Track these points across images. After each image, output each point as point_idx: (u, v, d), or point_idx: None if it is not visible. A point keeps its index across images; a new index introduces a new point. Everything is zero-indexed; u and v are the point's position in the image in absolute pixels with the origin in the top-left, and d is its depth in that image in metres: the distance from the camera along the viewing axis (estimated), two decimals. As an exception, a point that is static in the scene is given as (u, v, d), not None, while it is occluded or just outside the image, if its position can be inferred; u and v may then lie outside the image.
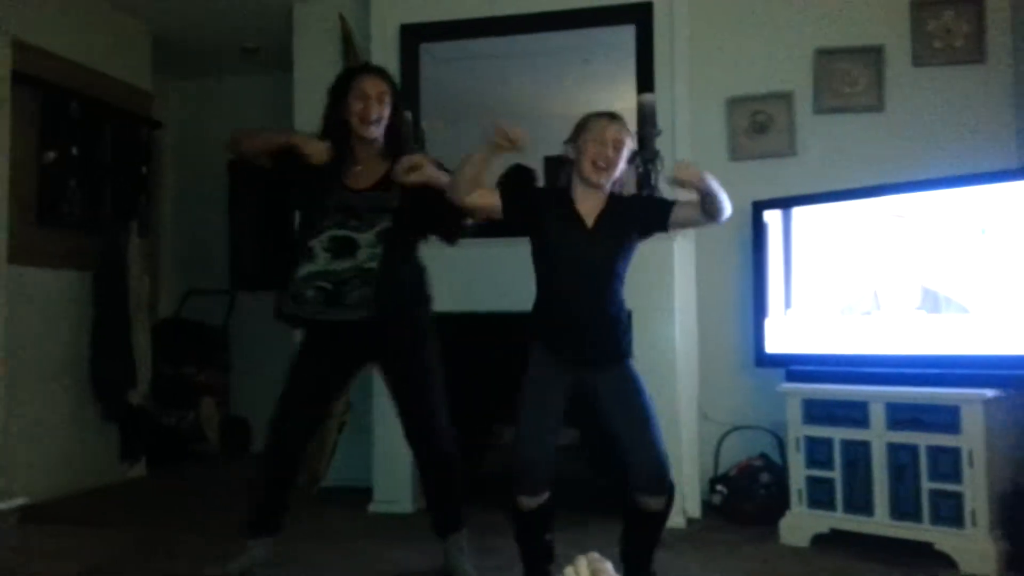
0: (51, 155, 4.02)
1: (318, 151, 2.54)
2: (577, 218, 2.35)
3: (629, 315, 2.41)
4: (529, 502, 2.34)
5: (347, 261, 2.54)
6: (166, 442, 4.87)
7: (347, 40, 4.22)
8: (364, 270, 2.53)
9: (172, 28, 4.82)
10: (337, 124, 2.60)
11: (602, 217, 2.36)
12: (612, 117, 2.35)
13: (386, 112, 2.59)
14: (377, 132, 2.60)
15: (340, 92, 2.61)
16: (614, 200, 2.39)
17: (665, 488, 2.32)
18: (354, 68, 2.74)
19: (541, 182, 3.60)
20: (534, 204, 2.41)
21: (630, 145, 2.37)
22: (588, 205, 2.36)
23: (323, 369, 2.64)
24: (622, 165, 2.35)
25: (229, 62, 5.41)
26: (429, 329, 2.68)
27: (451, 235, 2.73)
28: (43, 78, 3.97)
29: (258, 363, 5.40)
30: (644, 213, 2.40)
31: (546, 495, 2.35)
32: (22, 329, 3.78)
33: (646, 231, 2.40)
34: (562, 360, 2.35)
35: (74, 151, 4.16)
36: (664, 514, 2.36)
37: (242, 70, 5.53)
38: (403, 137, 2.68)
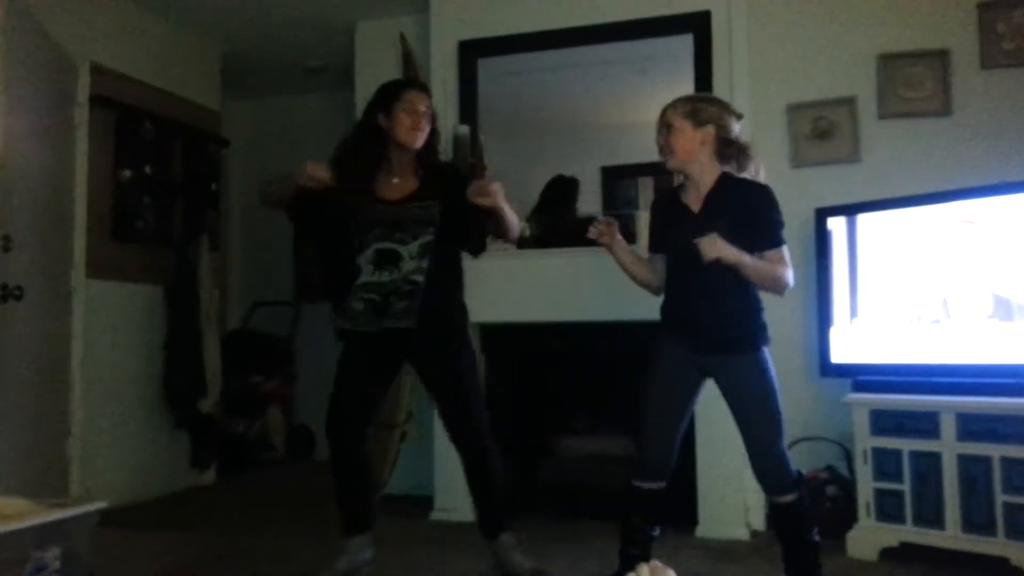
0: (126, 173, 4.18)
1: (321, 175, 2.57)
2: (684, 208, 2.41)
3: (755, 303, 2.39)
4: (642, 484, 2.42)
5: (391, 273, 2.61)
6: (234, 449, 5.00)
7: (407, 58, 4.30)
8: (410, 282, 2.61)
9: (239, 49, 4.98)
10: (375, 133, 2.63)
11: (708, 200, 2.38)
12: (664, 108, 2.43)
13: (428, 128, 2.65)
14: (421, 145, 2.65)
15: (386, 103, 2.64)
16: (726, 181, 2.39)
17: (787, 486, 2.33)
18: (401, 82, 2.76)
19: (582, 192, 3.73)
20: (660, 223, 2.51)
21: (682, 122, 2.37)
22: (693, 193, 2.42)
23: (365, 377, 2.72)
24: (685, 144, 2.37)
25: (294, 81, 5.56)
26: (466, 334, 2.76)
27: (478, 249, 2.81)
28: (118, 100, 4.13)
29: (322, 373, 5.47)
30: (753, 217, 2.36)
31: (661, 484, 2.42)
32: (99, 341, 3.94)
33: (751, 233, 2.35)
34: (687, 349, 2.39)
35: (148, 169, 4.32)
36: (796, 507, 2.33)
37: (306, 89, 5.68)
38: (435, 152, 2.76)
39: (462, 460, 2.77)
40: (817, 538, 2.35)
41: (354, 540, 2.72)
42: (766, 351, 2.37)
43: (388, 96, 2.65)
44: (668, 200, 2.49)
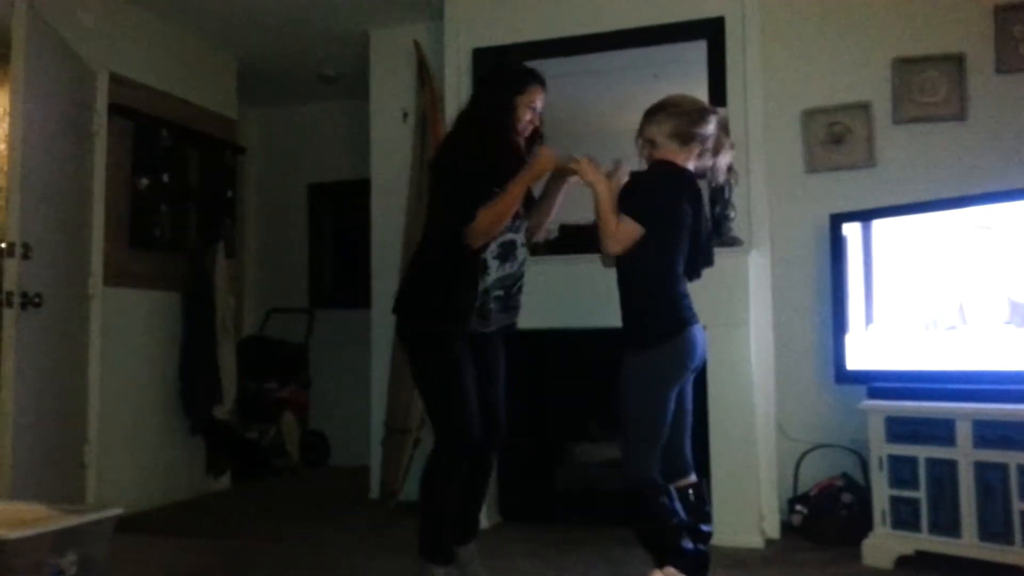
0: (144, 181, 4.22)
1: (551, 161, 2.53)
2: None
3: (641, 302, 2.40)
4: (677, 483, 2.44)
5: (512, 264, 2.57)
6: (249, 456, 5.02)
7: (421, 65, 4.32)
8: (522, 272, 2.61)
9: (254, 57, 5.02)
10: (502, 119, 2.55)
11: None
12: (643, 121, 2.49)
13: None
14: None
15: (511, 92, 2.56)
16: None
17: (627, 484, 2.38)
18: (530, 73, 2.64)
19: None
20: None
21: (667, 141, 2.42)
22: None
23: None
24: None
25: (309, 89, 5.60)
26: None
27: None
28: (136, 109, 4.18)
29: (336, 379, 5.54)
30: None
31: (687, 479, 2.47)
32: (116, 347, 3.97)
33: None
34: None
35: (164, 177, 4.35)
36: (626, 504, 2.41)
37: (321, 97, 5.72)
38: (538, 141, 2.70)
39: (478, 457, 2.63)
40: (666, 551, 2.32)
41: (450, 568, 2.53)
42: (646, 355, 2.36)
43: (515, 87, 2.57)
44: None
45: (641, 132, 2.47)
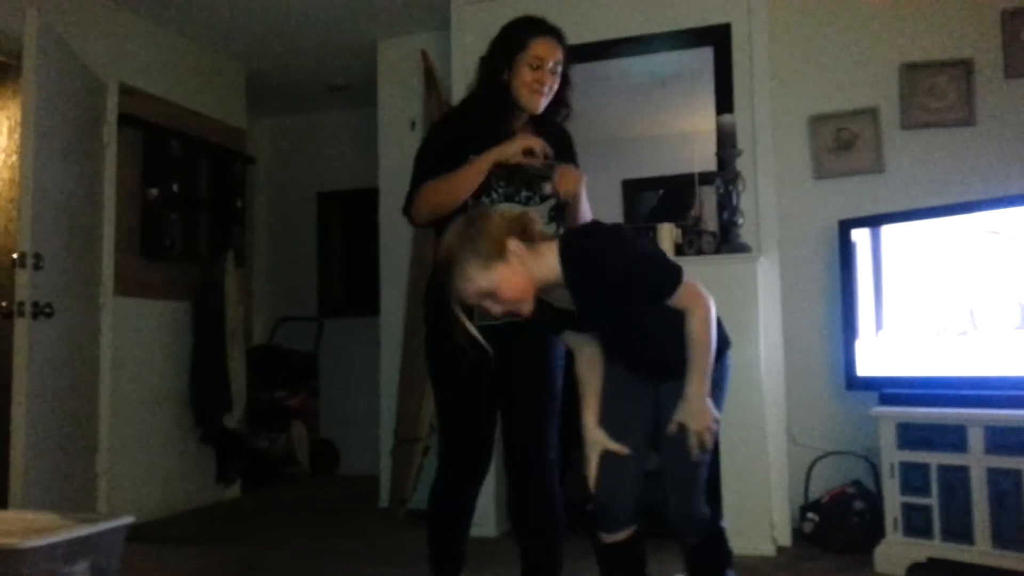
0: (154, 191, 4.25)
1: (514, 150, 2.11)
2: None
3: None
4: (608, 537, 2.03)
5: None
6: (259, 464, 5.04)
7: (429, 75, 4.34)
8: None
9: (264, 68, 5.05)
10: (497, 85, 2.19)
11: None
12: None
13: (556, 84, 2.20)
14: (544, 105, 2.20)
15: (508, 53, 2.19)
16: None
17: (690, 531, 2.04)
18: (532, 25, 2.21)
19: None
20: None
21: None
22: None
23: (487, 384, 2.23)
24: None
25: (317, 99, 5.63)
26: None
27: None
28: (146, 119, 4.21)
29: (345, 388, 5.55)
30: None
31: (629, 530, 2.02)
32: (126, 357, 3.99)
33: None
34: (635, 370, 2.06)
35: (175, 187, 4.38)
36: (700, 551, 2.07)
37: (330, 106, 5.75)
38: (561, 113, 2.29)
39: (516, 505, 2.38)
40: None
41: None
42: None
43: (511, 45, 2.19)
44: None
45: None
